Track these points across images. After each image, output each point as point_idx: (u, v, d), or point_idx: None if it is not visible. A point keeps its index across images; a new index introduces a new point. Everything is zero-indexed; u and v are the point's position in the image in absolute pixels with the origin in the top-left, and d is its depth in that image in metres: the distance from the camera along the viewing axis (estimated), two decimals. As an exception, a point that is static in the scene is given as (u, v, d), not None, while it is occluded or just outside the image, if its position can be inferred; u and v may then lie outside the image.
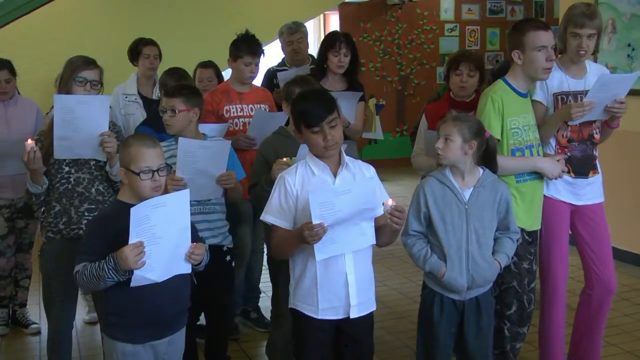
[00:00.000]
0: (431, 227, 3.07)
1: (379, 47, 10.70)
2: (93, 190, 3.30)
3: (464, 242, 3.01)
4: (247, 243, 4.47)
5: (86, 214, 3.27)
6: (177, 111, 3.40)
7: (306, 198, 2.73)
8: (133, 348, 2.69)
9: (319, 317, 2.83)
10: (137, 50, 4.93)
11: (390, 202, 2.71)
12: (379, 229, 2.81)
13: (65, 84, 3.28)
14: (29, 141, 3.08)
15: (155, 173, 2.65)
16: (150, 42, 4.96)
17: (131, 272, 2.50)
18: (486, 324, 3.12)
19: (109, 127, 3.26)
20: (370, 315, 2.95)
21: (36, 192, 3.24)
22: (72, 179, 3.29)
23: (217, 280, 3.56)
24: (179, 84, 3.65)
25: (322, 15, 10.52)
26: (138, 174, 2.62)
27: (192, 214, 3.37)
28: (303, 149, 3.23)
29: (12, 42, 6.55)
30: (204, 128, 3.88)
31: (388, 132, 10.25)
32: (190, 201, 3.36)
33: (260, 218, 2.90)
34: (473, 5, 11.07)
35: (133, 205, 2.53)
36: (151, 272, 2.54)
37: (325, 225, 2.59)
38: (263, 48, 4.40)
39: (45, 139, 3.25)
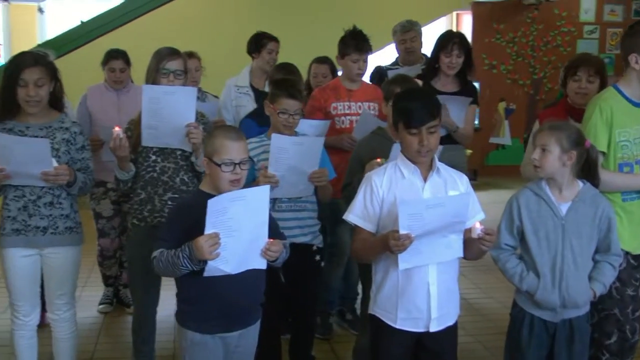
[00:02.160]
0: (523, 242, 2.90)
1: (512, 48, 10.29)
2: (177, 179, 3.34)
3: (559, 260, 2.82)
4: (346, 243, 4.40)
5: (169, 202, 3.31)
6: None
7: (392, 201, 2.66)
8: (202, 338, 2.70)
9: (397, 326, 2.74)
10: (262, 43, 4.96)
11: (478, 225, 2.60)
12: (466, 242, 2.68)
13: (151, 75, 3.36)
14: (116, 129, 3.17)
15: (237, 166, 2.64)
16: (275, 39, 5.00)
17: (205, 262, 2.50)
18: (579, 350, 2.90)
19: (197, 118, 3.29)
20: (453, 329, 2.83)
21: (123, 178, 3.33)
22: (157, 168, 3.35)
23: (305, 279, 3.54)
24: (295, 86, 3.60)
25: (454, 15, 10.29)
26: (219, 165, 2.62)
27: (282, 210, 3.44)
28: (396, 149, 3.13)
29: (136, 35, 6.88)
30: (305, 124, 3.84)
31: (516, 138, 9.81)
32: (281, 198, 3.42)
33: (343, 217, 2.83)
34: (616, 6, 10.38)
35: (213, 195, 2.54)
36: (225, 263, 2.54)
37: (413, 236, 2.49)
38: (371, 44, 4.30)
39: (135, 127, 3.33)
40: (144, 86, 3.26)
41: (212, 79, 5.00)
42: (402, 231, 2.49)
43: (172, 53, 3.39)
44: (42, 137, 3.13)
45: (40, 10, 8.93)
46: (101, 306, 4.82)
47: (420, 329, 2.73)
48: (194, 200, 2.77)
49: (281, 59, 4.85)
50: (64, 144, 3.21)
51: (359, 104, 4.31)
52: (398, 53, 5.30)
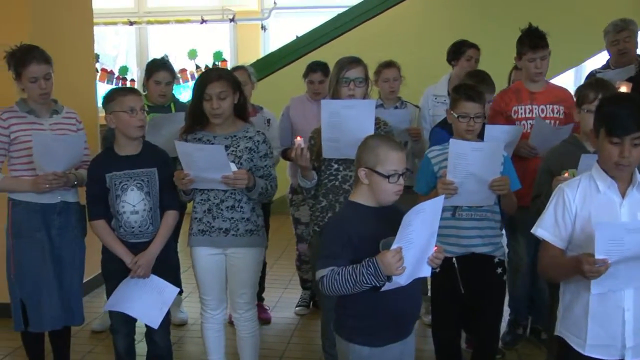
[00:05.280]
0: None
1: None
2: None
3: None
4: (522, 250, 4.19)
5: None
6: None
7: (586, 217, 2.46)
8: (370, 351, 2.63)
9: (586, 353, 2.52)
10: (461, 51, 4.88)
11: None
12: None
13: (332, 84, 3.44)
14: (298, 139, 3.26)
15: (400, 177, 2.59)
16: (475, 46, 4.89)
17: (389, 278, 2.44)
18: None
19: (380, 126, 3.29)
20: None
21: (306, 186, 3.43)
22: (339, 176, 3.40)
23: (485, 292, 3.41)
24: (473, 88, 3.50)
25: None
26: (387, 177, 2.56)
27: (462, 219, 3.37)
28: (584, 160, 2.92)
29: (343, 48, 6.96)
30: (496, 129, 3.70)
31: None
32: (462, 206, 3.34)
33: (531, 231, 2.64)
34: None
35: (367, 206, 2.57)
36: (400, 276, 2.47)
37: (609, 262, 2.29)
38: (547, 41, 4.04)
39: (318, 137, 3.39)
40: (323, 101, 3.31)
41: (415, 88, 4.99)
42: (598, 256, 2.28)
43: (352, 61, 3.43)
44: (226, 145, 3.32)
45: (263, 27, 9.52)
46: (297, 308, 5.01)
47: (612, 357, 2.49)
48: (350, 212, 2.68)
49: (483, 66, 4.71)
50: (246, 151, 3.38)
51: (542, 106, 4.08)
52: (609, 55, 4.92)
